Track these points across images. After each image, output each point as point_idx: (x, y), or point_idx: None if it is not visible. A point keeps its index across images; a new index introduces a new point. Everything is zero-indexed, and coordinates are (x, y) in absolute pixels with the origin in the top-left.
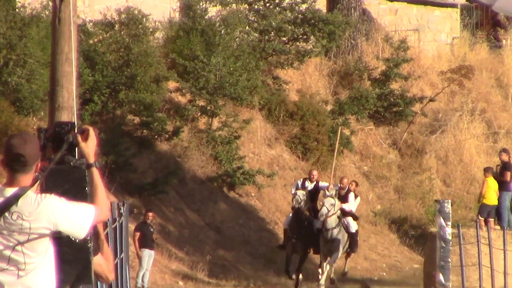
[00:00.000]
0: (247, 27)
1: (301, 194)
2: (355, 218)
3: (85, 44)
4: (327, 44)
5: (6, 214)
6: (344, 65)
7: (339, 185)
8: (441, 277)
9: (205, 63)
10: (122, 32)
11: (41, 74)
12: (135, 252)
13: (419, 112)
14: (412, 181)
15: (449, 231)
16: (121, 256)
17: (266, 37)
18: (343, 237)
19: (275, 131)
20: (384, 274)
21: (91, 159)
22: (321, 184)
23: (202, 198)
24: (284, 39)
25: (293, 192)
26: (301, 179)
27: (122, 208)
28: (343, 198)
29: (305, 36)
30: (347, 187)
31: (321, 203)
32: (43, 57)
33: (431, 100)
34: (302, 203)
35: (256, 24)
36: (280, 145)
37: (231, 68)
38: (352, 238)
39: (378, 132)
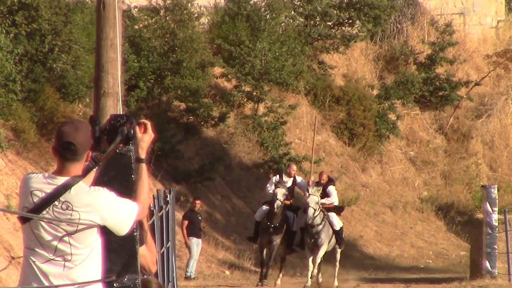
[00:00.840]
0: (292, 12)
1: (281, 194)
2: (340, 210)
3: (130, 29)
4: (372, 29)
5: (56, 203)
6: (389, 50)
7: (315, 182)
8: (487, 264)
9: (251, 49)
10: (167, 18)
11: (86, 60)
12: (181, 241)
13: (465, 96)
14: (459, 167)
15: (495, 217)
16: (168, 245)
17: (312, 21)
18: (328, 233)
19: (321, 117)
20: (430, 261)
21: (143, 154)
22: (298, 180)
23: (248, 184)
24: (330, 23)
25: (269, 189)
26: (276, 176)
27: (168, 195)
28: (322, 192)
29: (350, 21)
30: (324, 182)
31: (304, 203)
32: (88, 43)
33: (477, 84)
34: (282, 203)
35: (301, 8)
36: (326, 131)
37: (277, 53)
38: (338, 235)
39: (424, 116)
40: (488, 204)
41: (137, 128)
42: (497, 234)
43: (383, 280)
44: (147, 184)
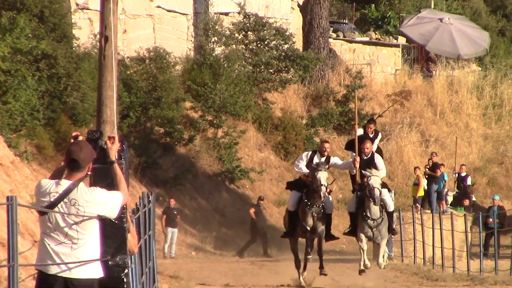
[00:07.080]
0: (243, 62)
1: (324, 179)
2: (386, 186)
3: (124, 74)
4: (302, 75)
5: (66, 200)
6: (315, 90)
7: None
8: (386, 249)
9: (212, 88)
10: (151, 65)
11: (91, 96)
12: (159, 230)
13: None
14: None
15: None
16: (149, 233)
17: (258, 69)
18: (386, 224)
19: (264, 139)
20: (344, 246)
21: (113, 158)
22: (335, 160)
23: (210, 189)
24: (271, 70)
25: (299, 167)
26: (308, 152)
27: (150, 196)
28: (369, 162)
29: (286, 68)
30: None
31: (369, 185)
32: (93, 83)
33: (380, 115)
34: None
35: (250, 59)
36: (267, 149)
37: (232, 92)
38: (391, 217)
39: (340, 139)
40: None
41: (108, 142)
42: None
43: None
44: (122, 178)
